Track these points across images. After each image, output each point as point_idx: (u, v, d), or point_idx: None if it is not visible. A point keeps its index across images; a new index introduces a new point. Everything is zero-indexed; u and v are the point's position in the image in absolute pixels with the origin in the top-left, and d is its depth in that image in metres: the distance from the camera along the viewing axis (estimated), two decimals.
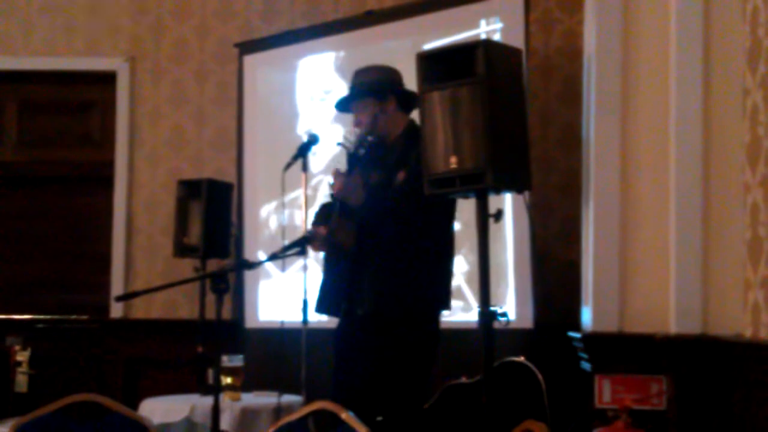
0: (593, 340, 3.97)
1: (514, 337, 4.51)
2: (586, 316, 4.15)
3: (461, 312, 5.00)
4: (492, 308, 3.08)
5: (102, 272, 6.52)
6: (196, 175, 6.00)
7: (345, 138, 4.05)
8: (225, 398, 4.50)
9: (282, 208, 5.36)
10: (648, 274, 3.93)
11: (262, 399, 4.71)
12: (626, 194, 3.97)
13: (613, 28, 4.01)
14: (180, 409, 4.57)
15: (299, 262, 4.02)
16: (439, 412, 4.40)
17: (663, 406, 3.77)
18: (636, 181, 3.97)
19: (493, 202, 3.12)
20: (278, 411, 4.39)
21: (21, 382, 5.84)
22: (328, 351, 4.02)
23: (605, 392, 3.82)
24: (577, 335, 4.10)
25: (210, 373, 4.65)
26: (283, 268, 5.42)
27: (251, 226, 6.23)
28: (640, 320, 3.91)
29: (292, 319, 4.20)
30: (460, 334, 4.25)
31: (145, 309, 6.41)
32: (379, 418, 3.68)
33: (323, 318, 4.13)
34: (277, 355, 4.74)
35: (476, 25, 5.29)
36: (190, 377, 5.32)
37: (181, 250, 5.35)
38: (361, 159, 3.95)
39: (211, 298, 3.93)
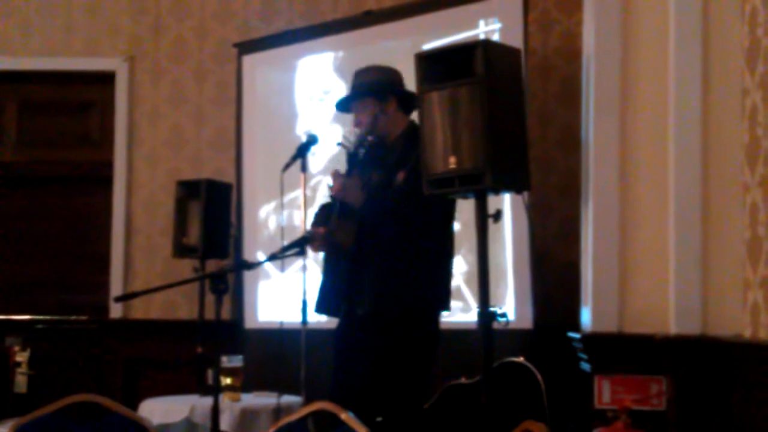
0: (593, 340, 3.97)
1: (514, 337, 4.51)
2: (586, 317, 4.15)
3: (460, 312, 5.00)
4: (491, 309, 3.08)
5: (101, 272, 6.52)
6: (195, 175, 6.01)
7: (345, 138, 4.05)
8: (224, 399, 4.50)
9: (281, 209, 5.36)
10: (647, 274, 3.93)
11: (262, 399, 4.71)
12: (625, 194, 3.97)
13: (612, 28, 4.00)
14: (179, 409, 4.58)
15: (298, 262, 4.02)
16: (438, 413, 4.39)
17: (663, 407, 3.76)
18: (635, 181, 3.97)
19: (492, 202, 3.12)
20: (278, 411, 4.39)
21: (20, 382, 5.83)
22: (327, 351, 4.02)
23: (605, 393, 3.82)
24: (577, 336, 4.10)
25: (209, 373, 4.65)
26: (282, 269, 5.42)
27: (250, 227, 6.23)
28: (640, 321, 3.91)
29: (291, 319, 4.20)
30: (459, 334, 4.25)
31: (144, 309, 6.41)
32: (379, 419, 3.68)
33: (322, 318, 4.13)
34: (276, 356, 4.74)
35: (475, 26, 5.29)
36: (190, 378, 5.32)
37: (181, 250, 5.35)
38: (361, 159, 3.95)
39: (210, 298, 3.93)
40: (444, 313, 3.98)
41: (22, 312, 6.52)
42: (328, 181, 4.00)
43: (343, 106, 4.18)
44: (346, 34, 5.86)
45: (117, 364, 6.39)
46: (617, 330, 3.93)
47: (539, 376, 4.28)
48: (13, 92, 6.78)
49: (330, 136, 5.34)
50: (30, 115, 6.79)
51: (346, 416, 2.60)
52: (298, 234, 3.96)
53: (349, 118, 4.17)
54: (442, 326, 3.97)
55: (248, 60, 6.29)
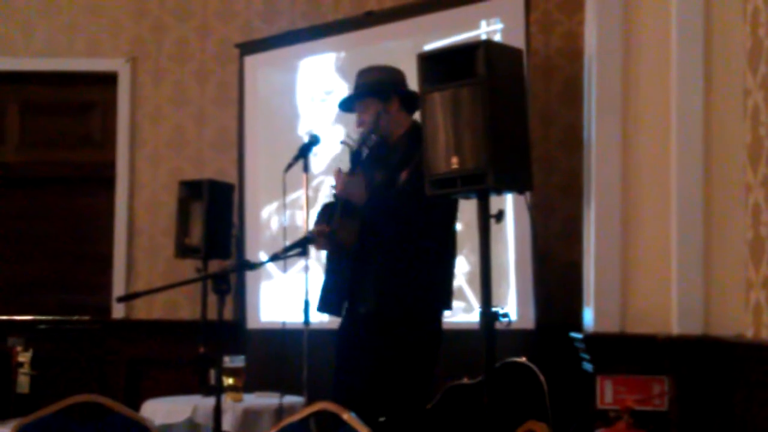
0: (595, 340, 3.97)
1: (516, 337, 4.52)
2: (588, 317, 4.15)
3: (463, 313, 5.00)
4: (493, 309, 3.08)
5: (103, 273, 6.52)
6: (197, 175, 6.00)
7: (348, 137, 4.06)
8: (227, 399, 4.50)
9: (283, 209, 5.36)
10: (650, 274, 3.93)
11: (264, 400, 4.72)
12: (627, 194, 3.97)
13: (614, 28, 4.00)
14: (182, 410, 4.58)
15: (300, 263, 4.02)
16: (441, 413, 4.39)
17: (665, 407, 3.76)
18: (637, 181, 3.97)
19: (495, 202, 3.12)
20: (280, 412, 4.39)
21: (23, 383, 5.84)
22: (329, 352, 4.02)
23: (607, 393, 3.82)
24: (579, 336, 4.10)
25: (212, 373, 4.65)
26: (284, 269, 5.42)
27: (252, 227, 6.23)
28: (642, 321, 3.91)
29: (293, 319, 4.20)
30: (461, 334, 4.24)
31: (146, 310, 6.41)
32: (382, 419, 3.68)
33: (325, 319, 4.13)
34: (278, 356, 4.74)
35: (477, 26, 5.28)
36: (192, 378, 5.31)
37: (183, 250, 5.36)
38: (364, 158, 3.96)
39: (212, 298, 3.93)
40: (446, 313, 3.98)
41: (24, 312, 6.52)
42: (331, 180, 4.00)
43: (347, 105, 4.19)
44: (348, 35, 5.86)
45: (119, 365, 6.39)
46: (619, 330, 3.93)
47: (541, 377, 4.28)
48: (15, 93, 6.78)
49: (332, 137, 5.34)
50: (32, 115, 6.79)
51: (348, 417, 2.60)
52: (300, 234, 3.96)
53: (352, 118, 4.17)
54: (444, 326, 3.97)
55: (250, 60, 6.29)
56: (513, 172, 3.08)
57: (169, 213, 5.99)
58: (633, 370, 3.82)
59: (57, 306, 6.58)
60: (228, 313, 5.62)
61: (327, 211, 4.02)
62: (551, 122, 5.91)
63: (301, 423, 2.72)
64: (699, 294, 3.82)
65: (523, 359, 4.37)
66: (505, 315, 3.10)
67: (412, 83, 3.55)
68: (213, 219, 5.27)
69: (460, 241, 4.19)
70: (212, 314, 4.24)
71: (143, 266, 6.50)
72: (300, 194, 4.21)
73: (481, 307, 3.09)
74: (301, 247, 3.85)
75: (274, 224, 6.11)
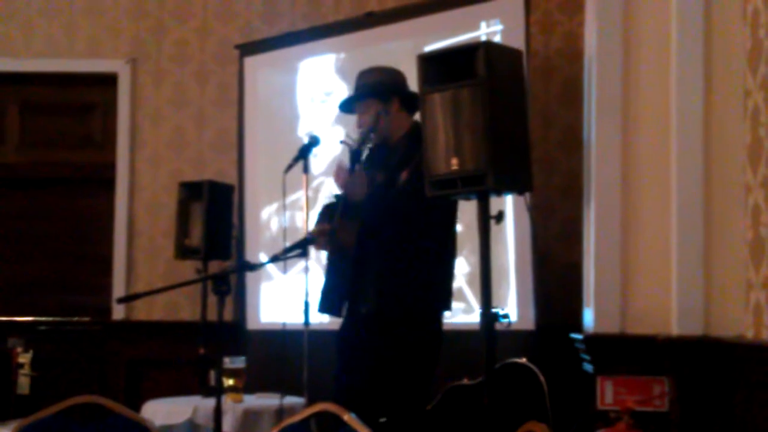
0: (595, 341, 3.97)
1: (516, 338, 4.52)
2: (588, 318, 4.15)
3: (463, 314, 5.01)
4: (493, 310, 3.08)
5: (103, 274, 6.52)
6: (197, 176, 6.01)
7: (347, 136, 4.06)
8: (227, 400, 4.50)
9: (283, 210, 5.36)
10: (650, 275, 3.93)
11: (265, 401, 4.72)
12: (627, 195, 3.97)
13: (614, 29, 4.00)
14: (182, 411, 4.58)
15: (301, 264, 4.03)
16: (441, 414, 4.40)
17: (665, 408, 3.76)
18: (637, 182, 3.97)
19: (495, 203, 3.13)
20: (280, 413, 4.39)
21: (23, 384, 5.83)
22: (330, 352, 4.02)
23: (607, 394, 3.82)
24: (579, 336, 4.10)
25: (212, 374, 4.65)
26: (284, 270, 5.42)
27: (252, 228, 6.24)
28: (642, 321, 3.90)
29: (293, 320, 4.20)
30: (461, 335, 4.25)
31: (146, 311, 6.41)
32: (382, 419, 3.68)
33: (325, 319, 4.13)
34: (279, 357, 4.74)
35: (476, 27, 5.29)
36: (192, 379, 5.32)
37: (183, 251, 5.36)
38: (364, 159, 3.96)
39: (212, 299, 3.93)
40: (446, 314, 3.98)
41: (24, 313, 6.52)
42: (333, 174, 4.00)
43: (347, 106, 4.19)
44: (348, 36, 5.86)
45: (119, 366, 6.40)
46: (619, 331, 3.93)
47: (542, 377, 4.28)
48: (15, 94, 6.78)
49: (332, 138, 5.35)
50: (32, 116, 6.79)
51: (348, 417, 2.60)
52: (301, 235, 3.97)
53: (352, 119, 4.18)
54: (445, 327, 3.97)
55: (250, 62, 6.29)
56: (513, 173, 3.08)
57: (169, 214, 5.99)
58: (633, 371, 3.82)
59: (57, 307, 6.59)
60: (228, 314, 5.61)
61: (327, 211, 4.02)
62: (551, 123, 5.92)
63: (301, 424, 2.72)
64: (699, 295, 3.82)
65: (524, 360, 4.37)
66: (505, 316, 3.10)
67: (413, 84, 3.55)
68: (213, 220, 5.27)
69: (460, 242, 4.20)
70: (212, 315, 4.24)
71: (143, 267, 6.50)
72: (300, 195, 4.21)
73: (481, 308, 3.10)
74: (301, 248, 3.85)
75: (274, 225, 6.11)
